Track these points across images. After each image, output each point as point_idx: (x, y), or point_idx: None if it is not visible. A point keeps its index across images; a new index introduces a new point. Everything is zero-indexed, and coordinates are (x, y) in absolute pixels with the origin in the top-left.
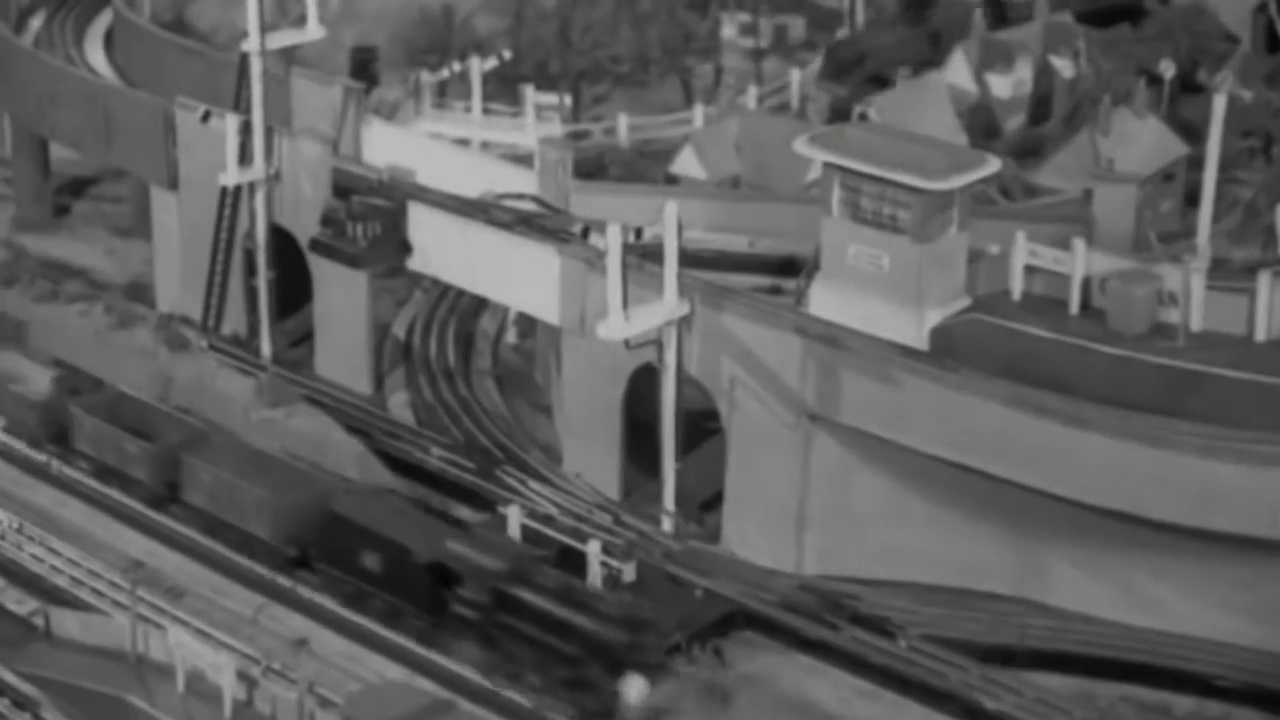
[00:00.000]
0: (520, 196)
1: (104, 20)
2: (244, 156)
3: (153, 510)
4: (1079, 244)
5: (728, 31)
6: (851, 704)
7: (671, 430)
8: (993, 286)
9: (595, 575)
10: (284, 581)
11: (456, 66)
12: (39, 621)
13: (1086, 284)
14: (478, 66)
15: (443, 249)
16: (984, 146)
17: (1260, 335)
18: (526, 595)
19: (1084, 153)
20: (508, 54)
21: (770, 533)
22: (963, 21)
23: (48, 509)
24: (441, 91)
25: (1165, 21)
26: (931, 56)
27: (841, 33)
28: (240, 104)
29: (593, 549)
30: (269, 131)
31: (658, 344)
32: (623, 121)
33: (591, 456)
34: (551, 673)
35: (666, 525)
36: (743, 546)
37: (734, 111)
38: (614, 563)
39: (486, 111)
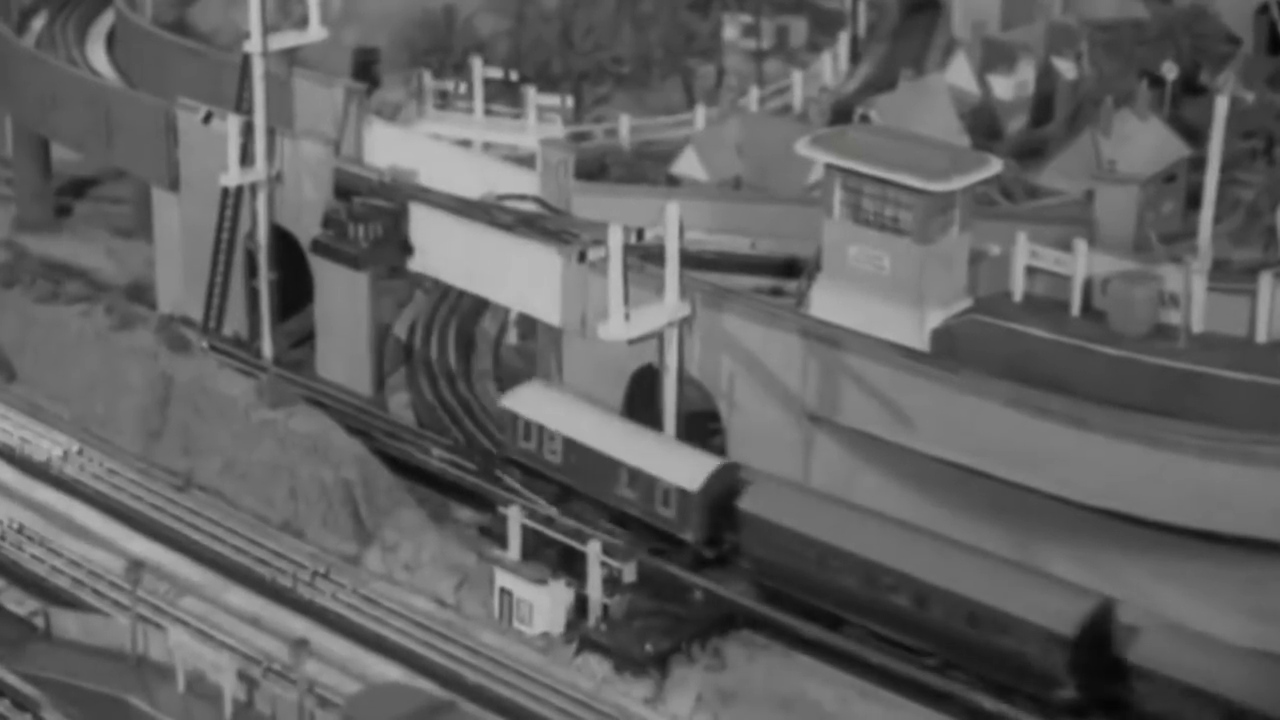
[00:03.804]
0: (522, 197)
1: (106, 21)
2: (245, 157)
3: None
4: (1080, 245)
5: (729, 33)
6: (851, 704)
7: (673, 431)
8: (994, 287)
9: (595, 576)
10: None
11: (462, 88)
12: (39, 622)
13: (1088, 285)
14: (479, 68)
15: (444, 250)
16: (986, 148)
17: (1261, 336)
18: None
19: (1086, 154)
20: (515, 75)
21: None
22: None
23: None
24: (444, 95)
25: (1167, 23)
26: None
27: (843, 34)
28: (242, 105)
29: (593, 550)
30: (271, 133)
31: (659, 345)
32: (624, 123)
33: None
34: None
35: None
36: None
37: (735, 113)
38: (614, 563)
39: (488, 113)
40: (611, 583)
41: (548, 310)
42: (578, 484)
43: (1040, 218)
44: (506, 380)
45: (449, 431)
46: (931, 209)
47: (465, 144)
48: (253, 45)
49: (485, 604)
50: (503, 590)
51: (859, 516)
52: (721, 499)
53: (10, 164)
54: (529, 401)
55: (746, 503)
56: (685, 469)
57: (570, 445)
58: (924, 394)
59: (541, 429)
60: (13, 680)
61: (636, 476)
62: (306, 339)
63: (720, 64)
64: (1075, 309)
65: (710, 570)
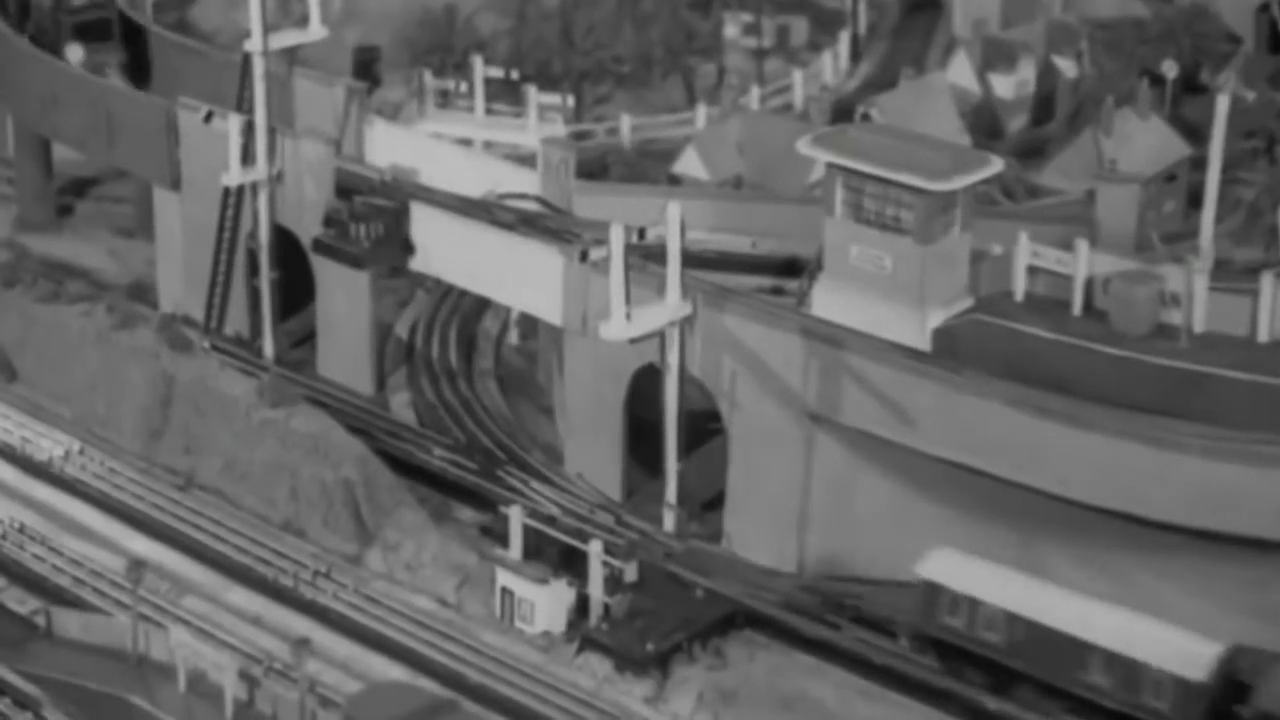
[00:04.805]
0: (523, 196)
1: None
2: (247, 157)
3: None
4: (1081, 244)
5: (730, 31)
6: (852, 704)
7: (674, 431)
8: (995, 287)
9: (596, 575)
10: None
11: (463, 87)
12: (40, 621)
13: (1089, 285)
14: (480, 67)
15: (445, 249)
16: (987, 147)
17: (1262, 336)
18: None
19: (1087, 153)
20: (515, 74)
21: (772, 533)
22: None
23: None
24: (445, 94)
25: (1168, 22)
26: None
27: (844, 33)
28: (243, 104)
29: (594, 549)
30: (272, 132)
31: (660, 344)
32: (625, 122)
33: (593, 457)
34: None
35: (669, 520)
36: (744, 547)
37: (736, 112)
38: (615, 563)
39: (489, 112)
40: (613, 582)
41: (549, 310)
42: (1027, 667)
43: (1041, 217)
44: (508, 380)
45: (450, 431)
46: (933, 208)
47: (466, 143)
48: (253, 44)
49: (487, 603)
50: (504, 589)
51: None
52: (1227, 690)
53: (11, 164)
54: (953, 571)
55: (1266, 700)
56: (1182, 654)
57: (1017, 622)
58: (925, 394)
59: (974, 603)
60: (14, 679)
61: (1114, 661)
62: (307, 338)
63: (721, 63)
64: (1077, 309)
65: None
